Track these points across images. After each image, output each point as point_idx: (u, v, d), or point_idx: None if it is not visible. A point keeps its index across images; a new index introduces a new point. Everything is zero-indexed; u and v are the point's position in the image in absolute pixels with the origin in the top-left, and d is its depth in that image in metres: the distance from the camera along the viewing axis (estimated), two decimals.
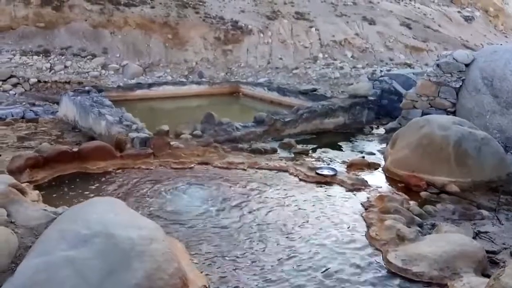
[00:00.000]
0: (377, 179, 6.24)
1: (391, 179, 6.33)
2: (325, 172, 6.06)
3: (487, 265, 3.82)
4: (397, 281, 3.62)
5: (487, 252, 3.98)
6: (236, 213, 4.78)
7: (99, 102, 8.46)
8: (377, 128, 9.68)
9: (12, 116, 9.40)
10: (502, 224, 4.87)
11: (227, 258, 3.85)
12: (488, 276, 3.44)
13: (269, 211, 4.86)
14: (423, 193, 5.78)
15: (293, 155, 7.26)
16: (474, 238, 4.33)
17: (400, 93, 9.91)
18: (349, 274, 3.70)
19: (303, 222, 4.64)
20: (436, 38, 19.67)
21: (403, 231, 4.16)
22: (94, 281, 2.62)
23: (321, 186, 5.75)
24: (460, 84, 8.18)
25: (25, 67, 12.57)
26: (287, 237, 4.28)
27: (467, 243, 3.86)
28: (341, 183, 5.80)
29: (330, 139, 8.64)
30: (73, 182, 5.44)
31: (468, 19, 23.51)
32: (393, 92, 10.44)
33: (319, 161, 7.05)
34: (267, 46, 16.66)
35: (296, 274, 3.66)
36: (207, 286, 3.29)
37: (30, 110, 9.97)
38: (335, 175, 5.98)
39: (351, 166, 6.72)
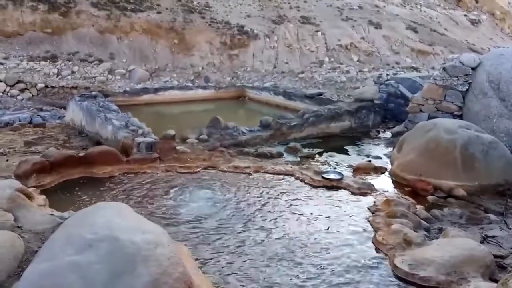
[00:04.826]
0: (383, 183, 6.22)
1: (398, 183, 6.30)
2: (331, 176, 6.04)
3: (495, 269, 3.78)
4: (404, 286, 3.61)
5: (495, 256, 3.93)
6: (240, 218, 4.78)
7: (105, 107, 8.50)
8: (384, 132, 9.65)
9: (20, 121, 9.46)
10: (510, 229, 4.83)
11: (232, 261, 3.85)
12: (496, 281, 3.41)
13: (274, 214, 4.86)
14: (430, 197, 5.74)
15: (299, 159, 7.25)
16: (481, 242, 4.30)
17: (407, 96, 9.88)
18: (355, 278, 3.68)
19: (308, 226, 4.63)
20: (442, 42, 19.63)
21: (410, 235, 4.14)
22: (100, 286, 2.62)
23: (327, 190, 5.74)
24: (467, 87, 8.14)
25: (32, 72, 12.66)
26: (288, 241, 4.28)
27: (474, 247, 3.83)
28: (348, 187, 5.78)
29: (336, 143, 8.61)
30: (79, 187, 5.46)
31: (475, 22, 23.44)
32: (399, 96, 10.41)
33: (325, 165, 7.04)
34: (273, 50, 16.69)
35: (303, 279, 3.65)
36: None
37: (37, 115, 10.02)
38: (341, 179, 5.95)
39: (358, 170, 6.70)
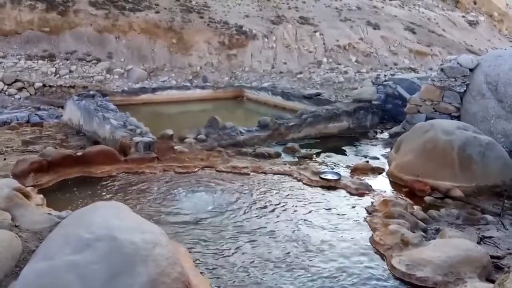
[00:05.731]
0: (381, 184, 6.23)
1: (395, 183, 6.31)
2: (329, 176, 6.05)
3: (492, 270, 3.80)
4: (401, 286, 3.62)
5: (492, 257, 3.95)
6: (238, 216, 4.79)
7: (103, 106, 8.49)
8: (381, 132, 9.67)
9: (17, 120, 9.45)
10: (507, 229, 4.84)
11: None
12: (492, 281, 3.42)
13: (271, 215, 4.87)
14: (427, 198, 5.75)
15: (297, 160, 7.25)
16: (478, 243, 4.31)
17: (404, 97, 9.89)
18: (352, 278, 3.69)
19: (305, 226, 4.63)
20: (440, 43, 19.65)
21: (407, 236, 4.15)
22: (98, 286, 2.62)
23: (324, 191, 5.74)
24: (465, 88, 8.16)
25: (30, 71, 12.64)
26: (284, 242, 4.28)
27: (471, 248, 3.84)
28: (345, 188, 5.79)
29: (334, 143, 8.63)
30: (77, 186, 5.46)
31: (473, 23, 23.49)
32: (397, 97, 10.42)
33: (323, 165, 7.04)
34: (271, 50, 16.69)
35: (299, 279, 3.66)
36: None
37: (35, 114, 10.02)
38: (339, 179, 5.97)
39: (355, 170, 6.71)
